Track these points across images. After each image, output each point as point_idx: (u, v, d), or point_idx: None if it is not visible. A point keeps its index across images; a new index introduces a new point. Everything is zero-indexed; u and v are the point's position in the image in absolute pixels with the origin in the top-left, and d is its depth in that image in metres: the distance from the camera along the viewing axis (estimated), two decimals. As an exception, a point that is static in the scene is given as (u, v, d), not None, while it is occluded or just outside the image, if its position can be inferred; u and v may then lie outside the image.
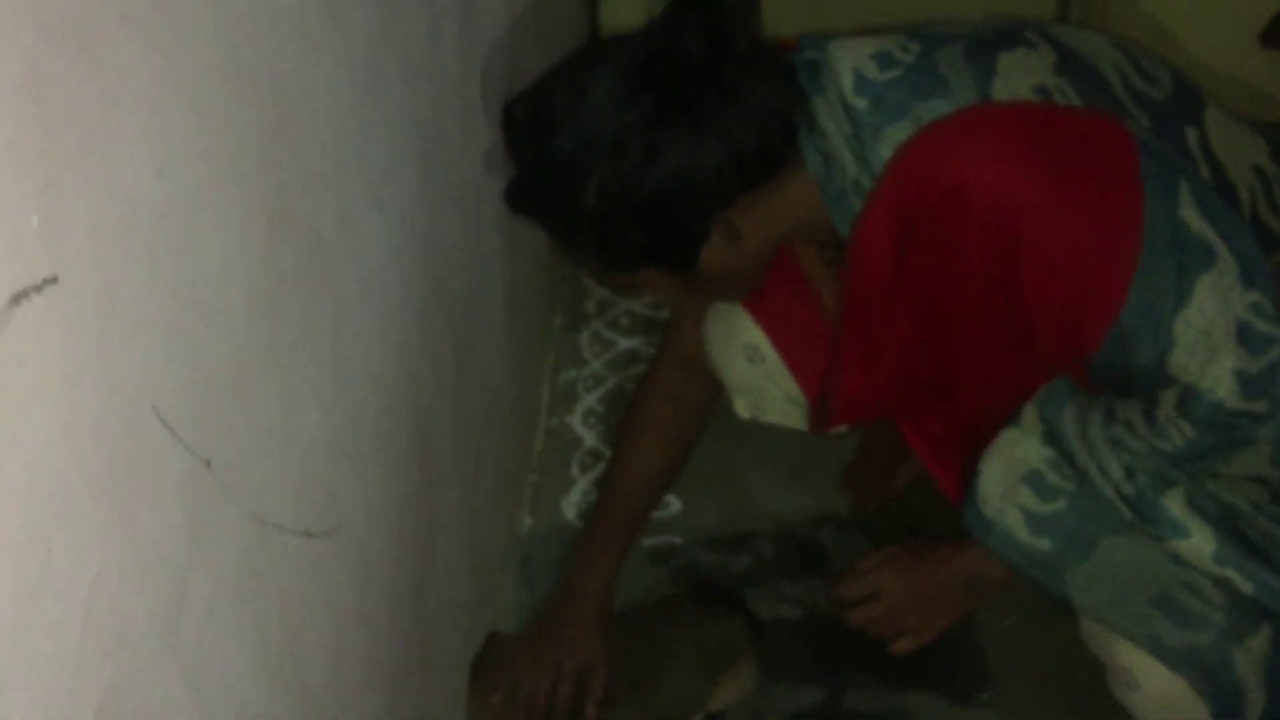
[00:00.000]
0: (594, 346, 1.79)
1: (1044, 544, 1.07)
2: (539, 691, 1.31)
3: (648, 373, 1.43)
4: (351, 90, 0.86)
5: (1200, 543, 1.01)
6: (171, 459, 0.62)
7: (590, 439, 1.68)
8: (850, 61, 1.04)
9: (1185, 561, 1.02)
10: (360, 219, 0.91)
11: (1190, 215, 0.96)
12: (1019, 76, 1.02)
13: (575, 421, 1.70)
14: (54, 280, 0.48)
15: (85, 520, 0.52)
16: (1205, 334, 0.97)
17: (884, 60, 1.04)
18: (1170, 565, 1.03)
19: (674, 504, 1.60)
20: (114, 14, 0.54)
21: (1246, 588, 1.00)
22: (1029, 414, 1.10)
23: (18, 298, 0.46)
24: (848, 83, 1.03)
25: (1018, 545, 1.08)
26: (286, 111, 0.74)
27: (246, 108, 0.68)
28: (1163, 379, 1.00)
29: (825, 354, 1.24)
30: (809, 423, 1.35)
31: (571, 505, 1.60)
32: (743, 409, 1.41)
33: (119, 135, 0.54)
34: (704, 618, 1.36)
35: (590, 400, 1.73)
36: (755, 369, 1.34)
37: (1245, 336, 0.96)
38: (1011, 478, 1.08)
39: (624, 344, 1.80)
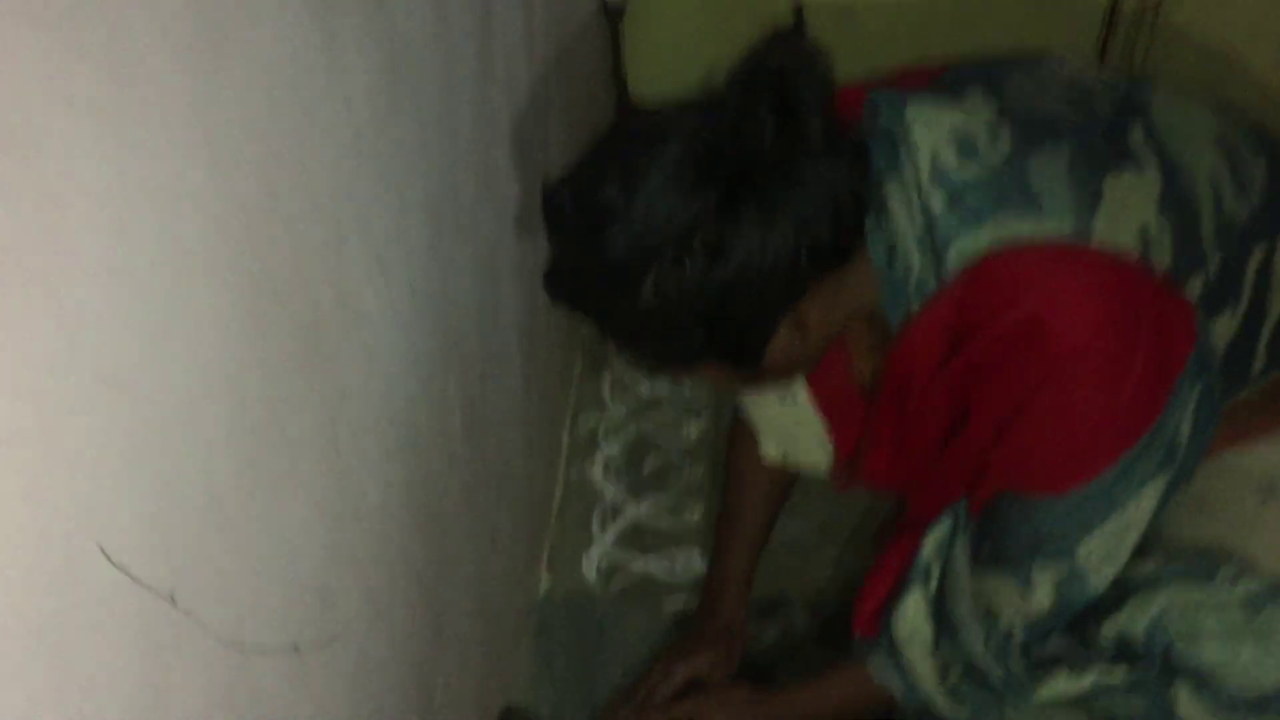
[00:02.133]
0: (616, 391, 1.70)
1: (961, 712, 1.12)
2: (644, 681, 1.29)
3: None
4: (355, 157, 0.77)
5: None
6: (126, 599, 0.53)
7: (611, 492, 1.59)
8: (930, 141, 0.94)
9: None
10: (361, 291, 0.82)
11: (1184, 427, 0.96)
12: (1123, 213, 0.93)
13: (595, 473, 1.61)
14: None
15: (23, 680, 0.44)
16: (1118, 537, 1.00)
17: (966, 148, 0.94)
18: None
19: (696, 560, 1.50)
20: (60, 98, 0.45)
21: None
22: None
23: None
24: (925, 169, 0.94)
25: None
26: (276, 185, 0.66)
27: (227, 185, 0.59)
28: (1056, 558, 1.02)
29: (856, 418, 1.15)
30: (833, 478, 1.26)
31: (591, 565, 1.51)
32: (771, 450, 1.33)
33: (60, 236, 0.45)
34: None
35: (611, 449, 1.64)
36: (786, 411, 1.26)
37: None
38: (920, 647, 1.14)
39: (646, 389, 1.70)
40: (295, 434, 0.71)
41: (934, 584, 1.14)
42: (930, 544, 1.14)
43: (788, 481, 1.37)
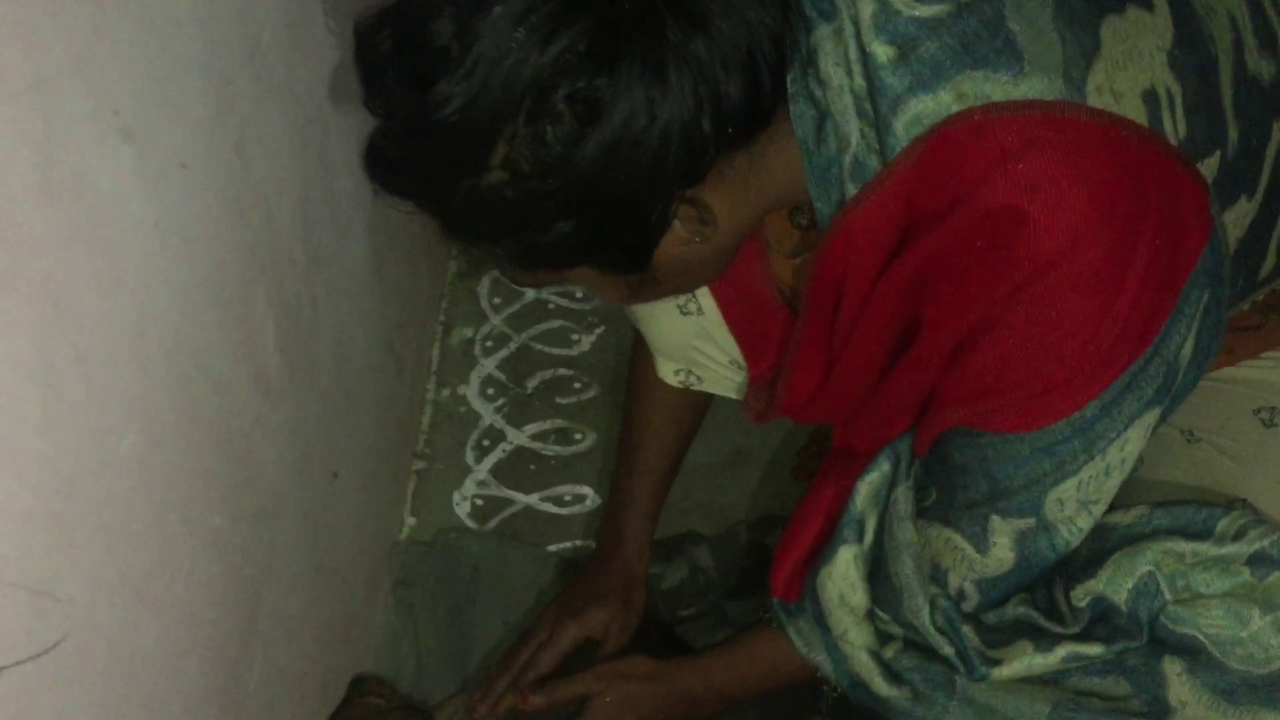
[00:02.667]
0: (495, 298, 1.48)
1: (901, 692, 0.98)
2: (525, 646, 1.10)
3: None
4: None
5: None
6: None
7: (489, 416, 1.38)
8: None
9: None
10: (90, 167, 0.59)
11: (1187, 347, 0.81)
12: (1126, 68, 0.75)
13: (471, 394, 1.40)
14: None
15: None
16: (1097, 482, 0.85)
17: None
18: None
19: (588, 496, 1.31)
20: None
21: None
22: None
23: None
24: (868, 9, 0.74)
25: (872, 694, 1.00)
26: None
27: None
28: (1019, 508, 0.86)
29: (775, 334, 0.97)
30: (748, 408, 1.07)
31: (464, 501, 1.31)
32: (670, 371, 1.14)
33: None
34: (625, 651, 1.09)
35: (489, 366, 1.42)
36: (688, 324, 1.06)
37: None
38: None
39: (531, 294, 1.49)
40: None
41: (869, 538, 0.98)
42: (864, 491, 0.97)
43: (700, 405, 1.18)
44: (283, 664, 0.93)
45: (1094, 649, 0.88)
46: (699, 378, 1.12)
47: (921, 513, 0.94)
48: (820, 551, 0.99)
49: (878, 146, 0.75)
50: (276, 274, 0.88)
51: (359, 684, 1.10)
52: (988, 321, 0.77)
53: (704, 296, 1.00)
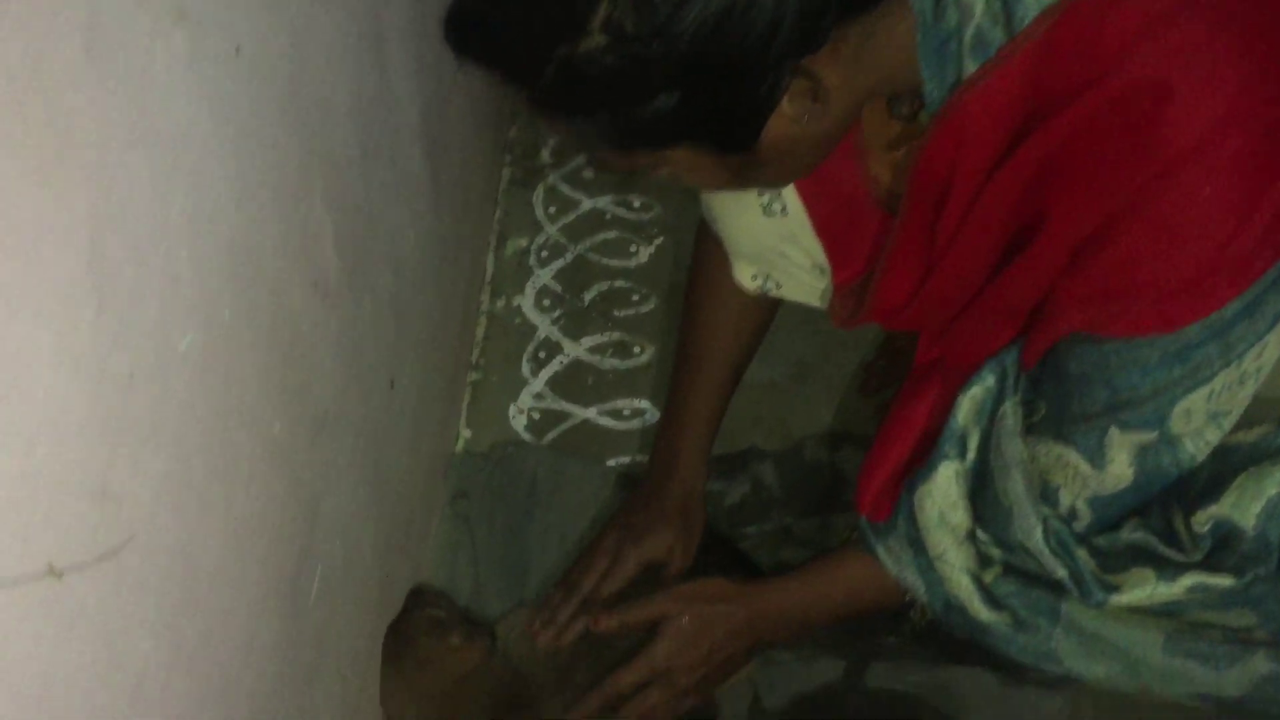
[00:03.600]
0: (550, 207, 1.45)
1: (1001, 617, 0.95)
2: (587, 573, 1.07)
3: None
4: None
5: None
6: None
7: (545, 328, 1.36)
8: None
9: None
10: (141, 46, 0.57)
11: None
12: None
13: (526, 305, 1.38)
14: None
15: None
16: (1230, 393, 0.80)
17: None
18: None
19: (647, 410, 1.29)
20: None
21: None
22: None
23: None
24: None
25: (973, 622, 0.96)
26: None
27: None
28: (1142, 421, 0.81)
29: (866, 235, 0.92)
30: (834, 313, 1.03)
31: (520, 414, 1.29)
32: (748, 275, 1.08)
33: None
34: (696, 575, 1.07)
35: (545, 277, 1.40)
36: (772, 224, 1.00)
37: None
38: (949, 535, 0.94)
39: (588, 204, 1.45)
40: (33, 260, 0.47)
41: (971, 455, 0.94)
42: (967, 405, 0.93)
43: (764, 317, 1.15)
44: (341, 575, 0.92)
45: (1223, 581, 0.84)
46: (778, 283, 1.07)
47: (1030, 429, 0.90)
48: (913, 469, 0.96)
49: (1003, 18, 0.70)
50: (334, 173, 0.85)
51: (417, 595, 1.09)
52: (1120, 213, 0.72)
53: (790, 197, 0.95)
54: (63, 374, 0.52)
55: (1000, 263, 0.82)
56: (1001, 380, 0.90)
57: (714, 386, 1.13)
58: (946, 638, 1.05)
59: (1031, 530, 0.88)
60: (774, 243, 1.01)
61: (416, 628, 1.04)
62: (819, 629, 1.06)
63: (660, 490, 1.11)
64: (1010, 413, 0.89)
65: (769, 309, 1.14)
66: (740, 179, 0.80)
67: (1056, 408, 0.86)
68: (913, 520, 0.95)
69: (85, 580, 0.55)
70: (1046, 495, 0.89)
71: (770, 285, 1.07)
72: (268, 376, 0.75)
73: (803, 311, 1.32)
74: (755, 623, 1.02)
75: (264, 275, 0.74)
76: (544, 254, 1.42)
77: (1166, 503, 0.88)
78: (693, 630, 1.01)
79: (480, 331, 1.36)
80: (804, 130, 0.75)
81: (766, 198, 0.96)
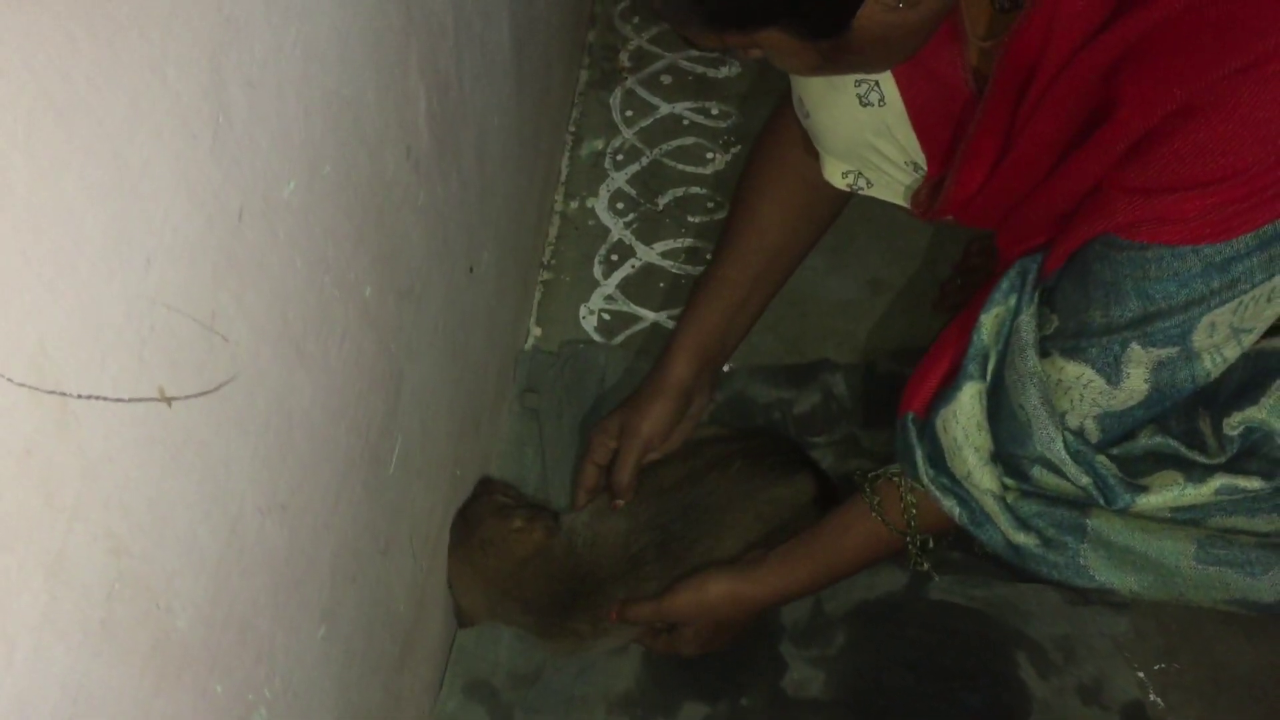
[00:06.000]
0: (627, 111, 1.43)
1: (1029, 538, 0.92)
2: (597, 448, 1.08)
3: (775, 112, 1.09)
4: None
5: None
6: None
7: (619, 230, 1.34)
8: None
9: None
10: None
11: None
12: None
13: (600, 207, 1.36)
14: None
15: None
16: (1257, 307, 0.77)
17: None
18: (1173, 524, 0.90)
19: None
20: None
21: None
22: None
23: None
24: None
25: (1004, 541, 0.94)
26: None
27: None
28: (1166, 334, 0.79)
29: (956, 123, 0.89)
30: (915, 201, 1.01)
31: (591, 315, 1.28)
32: (836, 175, 1.06)
33: None
34: (761, 473, 1.07)
35: (619, 180, 1.38)
36: (868, 116, 0.97)
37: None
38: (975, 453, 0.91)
39: (665, 109, 1.43)
40: (156, 74, 0.46)
41: (991, 369, 0.91)
42: (989, 324, 0.91)
43: (824, 213, 1.11)
44: (419, 452, 0.92)
45: (1252, 483, 0.82)
46: (869, 180, 1.05)
47: (1049, 336, 0.87)
48: (946, 387, 0.93)
49: None
50: (429, 42, 0.84)
51: (485, 484, 1.10)
52: (1196, 105, 0.69)
53: (888, 86, 0.93)
54: (180, 198, 0.52)
55: (1066, 150, 0.79)
56: (1020, 292, 0.88)
57: (745, 274, 1.08)
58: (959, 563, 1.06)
59: (1053, 440, 0.86)
60: (868, 136, 0.98)
61: (482, 511, 1.05)
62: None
63: (656, 370, 1.09)
64: (1025, 325, 0.87)
65: (832, 208, 1.11)
66: (831, 64, 0.78)
67: (1074, 321, 0.84)
68: (936, 442, 0.93)
69: (192, 411, 0.55)
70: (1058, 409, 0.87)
71: (861, 183, 1.04)
72: (361, 239, 0.75)
73: (879, 229, 1.31)
74: (764, 608, 1.03)
75: (362, 134, 0.73)
76: (619, 157, 1.40)
77: (1190, 407, 0.85)
78: (705, 637, 1.03)
79: (553, 232, 1.35)
80: (897, 17, 0.73)
81: (864, 87, 0.94)
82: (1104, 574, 0.90)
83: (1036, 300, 0.87)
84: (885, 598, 1.08)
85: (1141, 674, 1.02)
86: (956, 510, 0.93)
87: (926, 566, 0.99)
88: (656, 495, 1.05)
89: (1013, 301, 0.88)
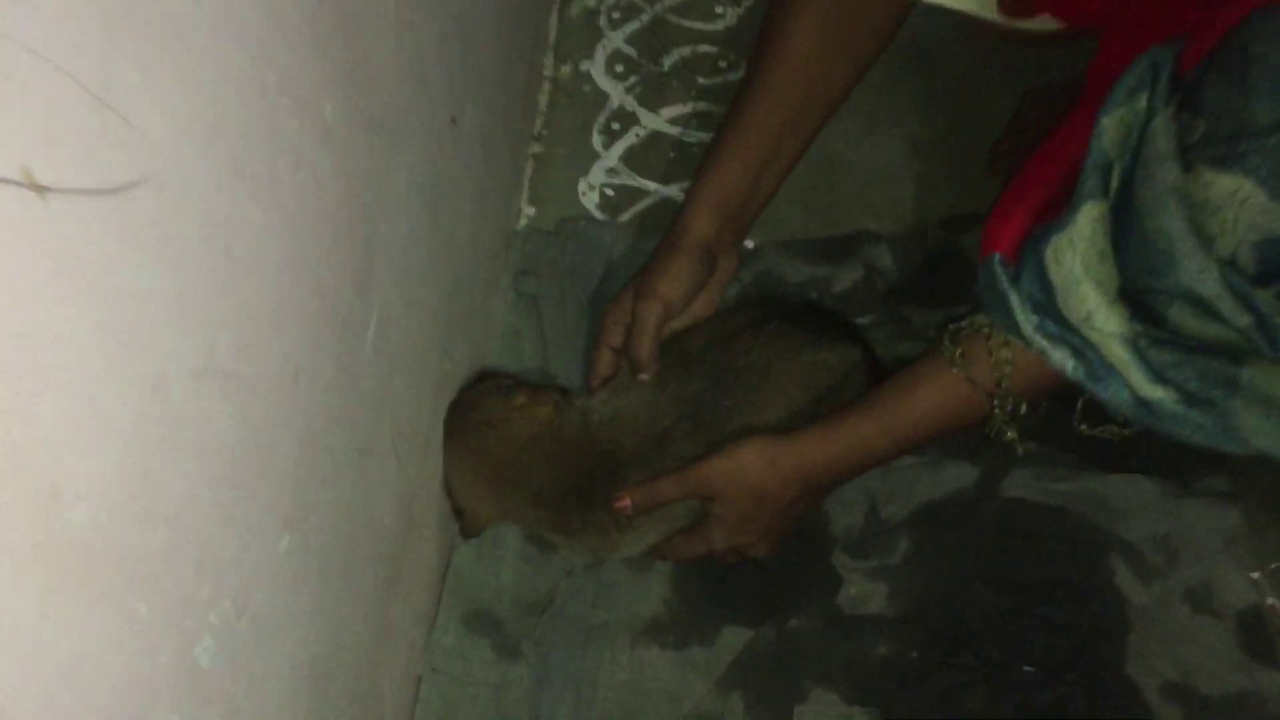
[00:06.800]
0: (623, -37, 1.26)
1: (1167, 393, 0.76)
2: (609, 323, 0.92)
3: None
4: None
5: None
6: None
7: (619, 95, 1.18)
8: None
9: None
10: None
11: None
12: None
13: (596, 71, 1.20)
14: None
15: None
16: None
17: None
18: None
19: (740, 193, 1.12)
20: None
21: None
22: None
23: None
24: None
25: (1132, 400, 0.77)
26: None
27: None
28: None
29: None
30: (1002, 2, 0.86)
31: (592, 191, 1.12)
32: None
33: None
34: (809, 344, 0.92)
35: (617, 40, 1.22)
36: None
37: None
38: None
39: (666, -39, 1.26)
40: None
41: (1115, 187, 0.75)
42: (1112, 129, 0.74)
43: (869, 41, 0.93)
44: (399, 329, 0.77)
45: None
46: None
47: (1193, 147, 0.70)
48: (1055, 210, 0.77)
49: None
50: None
51: (483, 375, 0.95)
52: None
53: None
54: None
55: None
56: (1151, 91, 0.71)
57: (776, 115, 0.90)
58: (1098, 442, 0.90)
59: (1203, 270, 0.69)
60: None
61: (480, 394, 0.90)
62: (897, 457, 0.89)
63: (673, 227, 0.92)
64: (1162, 130, 0.71)
65: (875, 35, 0.92)
66: None
67: (1228, 121, 0.68)
68: (1044, 281, 0.77)
69: (80, 213, 0.39)
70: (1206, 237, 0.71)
71: None
72: (318, 42, 0.59)
73: (918, 85, 1.15)
74: (813, 482, 0.86)
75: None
76: (615, 15, 1.23)
77: None
78: (741, 515, 0.86)
79: (544, 100, 1.19)
80: None
81: None
82: (1261, 437, 0.74)
83: (1174, 104, 0.71)
84: (952, 497, 0.94)
85: (1257, 574, 0.88)
86: (1069, 363, 0.76)
87: (1013, 437, 0.84)
88: (683, 363, 0.89)
89: (1141, 103, 0.72)
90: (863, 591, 0.91)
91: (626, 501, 0.86)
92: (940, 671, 0.87)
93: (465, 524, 0.91)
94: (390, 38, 0.70)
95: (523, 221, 1.12)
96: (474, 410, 0.89)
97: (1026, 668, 0.87)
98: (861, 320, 1.02)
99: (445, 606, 0.91)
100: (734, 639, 0.90)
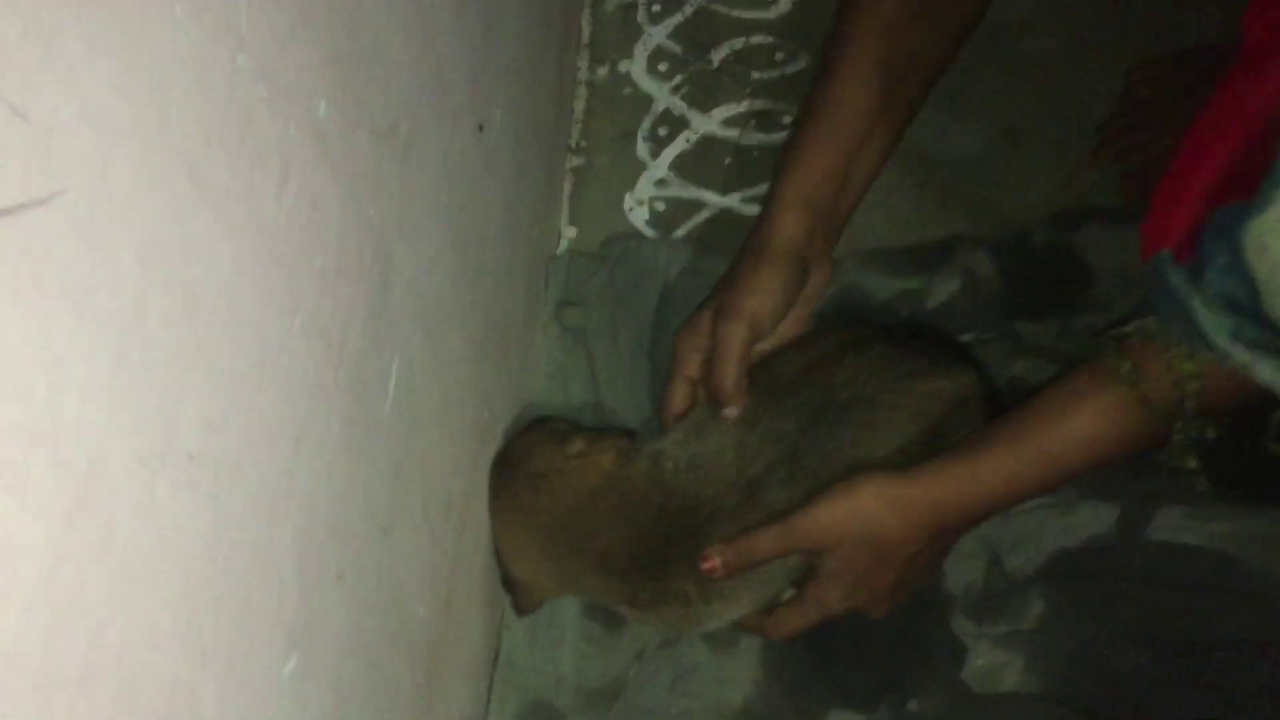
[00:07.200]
0: (660, -48, 1.14)
1: None
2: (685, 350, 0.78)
3: None
4: None
5: None
6: None
7: (665, 97, 1.05)
8: None
9: None
10: None
11: None
12: None
13: (637, 71, 1.07)
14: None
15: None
16: None
17: None
18: None
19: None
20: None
21: None
22: None
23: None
24: None
25: None
26: None
27: None
28: None
29: None
30: None
31: (641, 204, 1.00)
32: None
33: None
34: (921, 370, 0.78)
35: (659, 36, 1.09)
36: None
37: None
38: None
39: (708, -54, 1.14)
40: None
41: None
42: None
43: (969, 3, 0.80)
44: (425, 376, 0.64)
45: None
46: None
47: None
48: (1227, 197, 0.64)
49: None
50: None
51: (534, 425, 0.82)
52: None
53: None
54: None
55: None
56: None
57: (866, 96, 0.78)
58: (1263, 475, 0.76)
59: None
60: None
61: (529, 442, 0.77)
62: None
63: (756, 232, 0.78)
64: None
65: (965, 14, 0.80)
66: None
67: None
68: (1242, 275, 0.63)
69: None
70: None
71: None
72: (305, 29, 0.46)
73: (1007, 66, 1.02)
74: (947, 527, 0.72)
75: None
76: (655, 8, 1.10)
77: None
78: (862, 570, 0.72)
79: (580, 106, 1.06)
80: None
81: None
82: None
83: None
84: (1090, 544, 0.79)
85: None
86: (1268, 375, 0.62)
87: (1195, 467, 0.69)
88: (773, 396, 0.75)
89: None
90: (993, 663, 0.77)
91: (715, 561, 0.72)
92: (1094, 757, 0.73)
93: (519, 598, 0.78)
94: (397, 20, 0.57)
95: (563, 244, 0.99)
96: (523, 463, 0.76)
97: (1198, 750, 0.73)
98: (964, 338, 0.88)
99: (496, 702, 0.78)
100: (841, 727, 0.76)
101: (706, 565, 0.72)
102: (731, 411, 0.74)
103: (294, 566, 0.47)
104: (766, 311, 0.75)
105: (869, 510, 0.70)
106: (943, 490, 0.71)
